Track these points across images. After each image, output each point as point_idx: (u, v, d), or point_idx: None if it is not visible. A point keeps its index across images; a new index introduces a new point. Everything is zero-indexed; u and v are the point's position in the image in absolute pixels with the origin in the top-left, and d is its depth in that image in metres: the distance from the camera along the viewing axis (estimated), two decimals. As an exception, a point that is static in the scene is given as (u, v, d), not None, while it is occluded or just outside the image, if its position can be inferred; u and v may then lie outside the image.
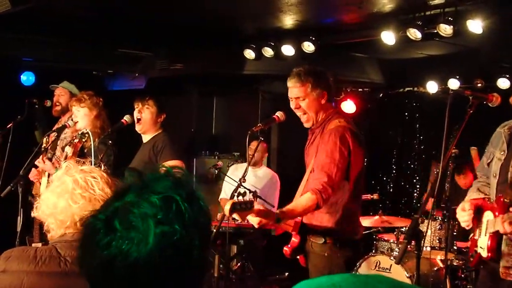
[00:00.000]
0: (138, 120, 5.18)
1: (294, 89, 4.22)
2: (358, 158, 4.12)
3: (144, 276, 1.40)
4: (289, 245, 4.21)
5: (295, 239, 4.18)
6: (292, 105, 4.28)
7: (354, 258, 4.65)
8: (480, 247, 3.93)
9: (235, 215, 3.73)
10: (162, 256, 1.39)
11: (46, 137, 6.16)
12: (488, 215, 3.95)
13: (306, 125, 4.33)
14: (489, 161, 4.08)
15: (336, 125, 4.10)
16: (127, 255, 1.39)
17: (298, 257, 4.31)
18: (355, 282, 1.10)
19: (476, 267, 4.09)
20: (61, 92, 6.81)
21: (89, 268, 1.45)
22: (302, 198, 3.96)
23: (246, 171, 4.39)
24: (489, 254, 3.85)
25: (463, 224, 4.14)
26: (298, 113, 4.27)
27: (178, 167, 1.58)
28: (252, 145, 5.09)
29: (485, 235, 3.91)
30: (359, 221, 4.39)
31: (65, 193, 2.45)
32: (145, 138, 5.31)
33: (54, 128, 6.62)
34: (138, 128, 5.24)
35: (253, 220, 3.82)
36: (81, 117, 5.54)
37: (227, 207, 3.62)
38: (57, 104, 6.79)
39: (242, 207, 3.67)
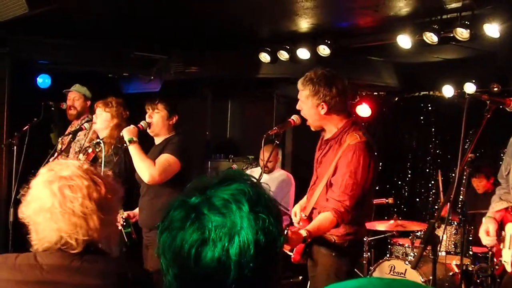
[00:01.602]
0: (149, 124, 5.20)
1: (299, 90, 4.18)
2: (375, 169, 4.07)
3: (236, 258, 1.41)
4: (293, 252, 4.16)
5: (299, 246, 4.11)
6: (297, 106, 4.23)
7: (358, 257, 4.69)
8: (505, 261, 3.91)
9: None
10: (255, 241, 1.42)
11: (61, 138, 6.19)
12: (511, 228, 3.93)
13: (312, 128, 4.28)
14: (507, 172, 4.04)
15: (356, 141, 3.97)
16: (219, 238, 1.41)
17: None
18: (381, 285, 1.11)
19: (501, 274, 4.08)
20: (76, 96, 6.82)
21: (176, 255, 1.46)
22: (325, 220, 3.94)
23: (261, 175, 4.39)
24: None
25: (485, 244, 4.14)
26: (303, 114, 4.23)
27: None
28: (266, 151, 5.07)
29: (509, 249, 3.88)
30: (366, 223, 4.39)
31: (44, 211, 2.33)
32: (158, 140, 5.32)
33: (68, 131, 6.65)
34: (149, 131, 5.26)
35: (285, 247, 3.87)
36: (102, 120, 5.54)
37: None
38: (72, 108, 6.81)
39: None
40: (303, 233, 3.85)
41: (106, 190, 2.39)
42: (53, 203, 2.31)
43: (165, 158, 4.99)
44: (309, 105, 4.10)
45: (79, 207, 2.31)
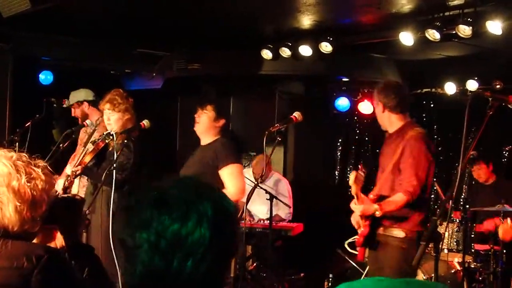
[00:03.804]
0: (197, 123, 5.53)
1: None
2: (433, 157, 4.63)
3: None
4: (358, 235, 4.62)
5: (364, 229, 4.56)
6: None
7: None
8: None
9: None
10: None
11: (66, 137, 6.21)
12: None
13: None
14: None
15: (417, 132, 4.67)
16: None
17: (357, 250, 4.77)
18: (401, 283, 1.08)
19: None
20: (75, 108, 6.86)
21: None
22: (397, 198, 4.46)
23: (254, 188, 4.54)
24: None
25: None
26: None
27: None
28: (257, 163, 5.21)
29: None
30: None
31: None
32: (204, 141, 5.58)
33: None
34: (195, 129, 5.59)
35: (357, 208, 4.48)
36: (115, 121, 5.51)
37: (352, 177, 4.45)
38: (78, 117, 6.84)
39: (360, 180, 4.47)
40: (375, 206, 4.42)
41: (27, 180, 2.38)
42: None
43: (231, 172, 5.25)
44: (376, 107, 4.94)
45: None
